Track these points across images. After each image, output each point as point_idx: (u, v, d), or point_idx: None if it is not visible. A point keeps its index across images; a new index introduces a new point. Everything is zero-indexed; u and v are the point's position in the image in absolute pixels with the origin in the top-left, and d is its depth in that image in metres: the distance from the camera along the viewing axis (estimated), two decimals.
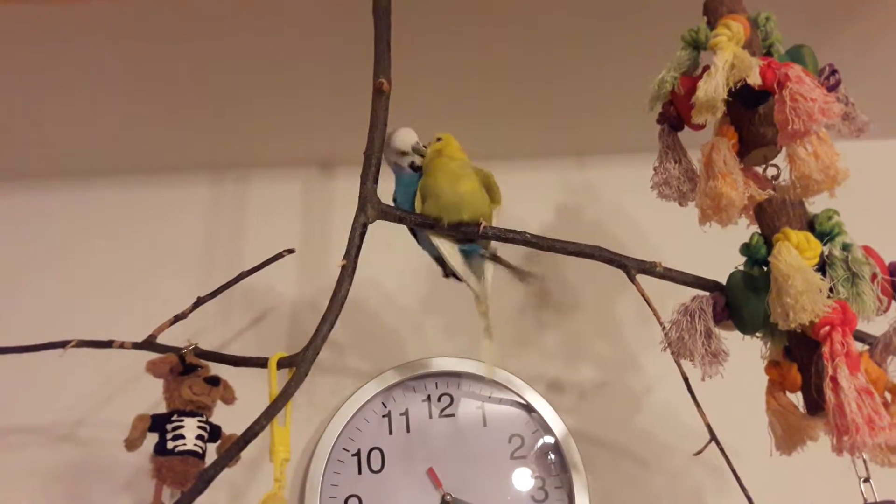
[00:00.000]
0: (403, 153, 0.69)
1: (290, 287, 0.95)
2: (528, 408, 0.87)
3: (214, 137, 0.98)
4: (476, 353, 0.90)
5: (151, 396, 0.72)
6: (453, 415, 0.88)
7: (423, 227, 0.69)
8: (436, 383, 0.89)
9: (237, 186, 1.02)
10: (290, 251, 0.83)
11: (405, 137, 0.68)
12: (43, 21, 0.76)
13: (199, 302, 0.75)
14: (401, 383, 0.88)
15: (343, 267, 0.63)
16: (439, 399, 0.88)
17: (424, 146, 0.69)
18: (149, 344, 0.70)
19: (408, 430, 0.87)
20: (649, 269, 0.66)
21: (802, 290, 0.51)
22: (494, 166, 0.69)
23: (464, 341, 0.93)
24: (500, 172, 0.70)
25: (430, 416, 0.87)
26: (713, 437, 0.63)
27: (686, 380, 0.63)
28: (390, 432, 0.86)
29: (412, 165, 0.69)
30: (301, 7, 0.77)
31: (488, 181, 0.69)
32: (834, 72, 0.61)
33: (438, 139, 0.68)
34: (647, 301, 0.65)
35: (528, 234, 0.68)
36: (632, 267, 0.66)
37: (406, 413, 0.87)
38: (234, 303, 0.90)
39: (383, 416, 0.87)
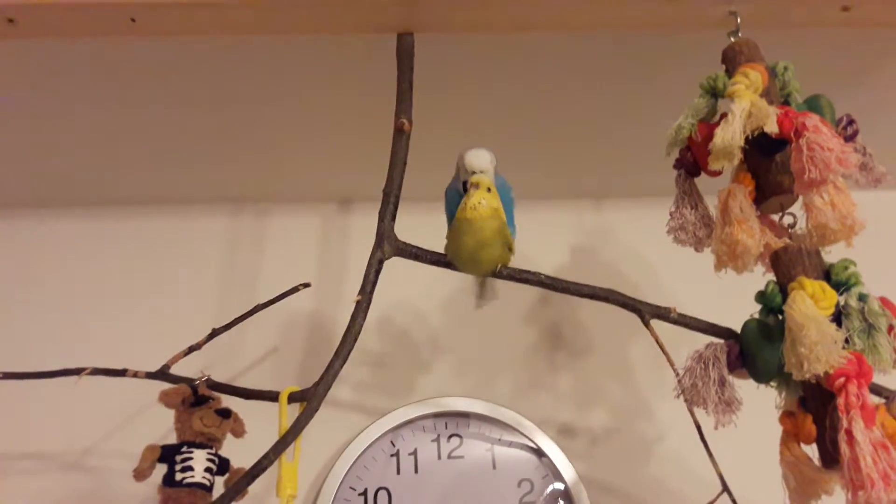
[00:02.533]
0: (468, 171, 0.66)
1: (305, 321, 0.95)
2: (539, 452, 0.86)
3: (235, 171, 0.99)
4: (487, 394, 0.90)
5: (161, 427, 0.72)
6: (462, 456, 0.87)
7: (437, 265, 0.70)
8: (445, 423, 0.88)
9: (256, 220, 1.03)
10: (306, 285, 0.83)
11: (473, 161, 0.65)
12: (71, 54, 0.78)
13: (214, 333, 0.75)
14: (410, 422, 0.87)
15: (358, 302, 0.63)
16: (448, 440, 0.88)
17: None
18: (162, 374, 0.70)
19: (416, 471, 0.86)
20: (664, 314, 0.66)
21: (817, 341, 0.51)
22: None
23: (474, 381, 0.93)
24: (516, 212, 0.70)
25: (439, 457, 0.87)
26: (725, 488, 0.62)
27: (699, 428, 0.62)
28: (398, 472, 0.85)
29: (465, 185, 0.67)
30: (324, 48, 0.79)
31: (509, 244, 0.67)
32: (851, 122, 0.62)
33: (489, 189, 0.65)
34: (661, 347, 0.64)
35: (543, 275, 0.68)
36: (646, 312, 0.66)
37: (415, 453, 0.87)
38: (248, 334, 0.90)
39: (391, 456, 0.86)
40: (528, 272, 0.68)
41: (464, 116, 0.89)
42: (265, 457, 0.55)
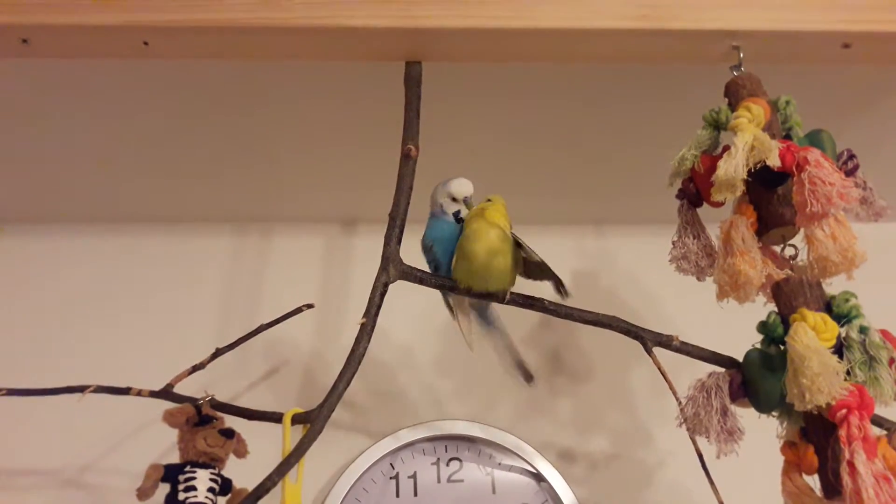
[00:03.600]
0: (454, 200, 0.69)
1: (308, 341, 0.95)
2: (539, 477, 0.86)
3: (240, 191, 1.00)
4: (487, 417, 0.90)
5: (162, 445, 0.72)
6: (462, 480, 0.87)
7: (442, 288, 0.70)
8: (445, 446, 0.88)
9: (260, 239, 1.04)
10: (310, 306, 0.83)
11: (463, 187, 0.69)
12: (77, 72, 0.79)
13: (218, 353, 0.76)
14: (410, 445, 0.88)
15: (362, 325, 0.63)
16: (448, 463, 0.88)
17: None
18: (166, 393, 0.70)
19: (415, 494, 0.86)
20: (666, 342, 0.66)
21: (819, 372, 0.51)
22: (513, 230, 0.70)
23: (474, 405, 0.93)
24: (520, 235, 0.71)
25: (439, 481, 0.86)
26: None
27: (701, 457, 0.62)
28: (397, 495, 0.85)
29: (457, 215, 0.69)
30: (330, 71, 0.80)
31: (517, 255, 0.68)
32: (852, 156, 0.63)
33: (488, 199, 0.68)
34: (663, 375, 0.65)
35: (547, 301, 0.69)
36: (648, 339, 0.66)
37: (414, 476, 0.87)
38: (251, 354, 0.90)
39: (391, 478, 0.86)
40: (533, 298, 0.69)
41: (466, 142, 0.90)
42: (269, 478, 0.55)
